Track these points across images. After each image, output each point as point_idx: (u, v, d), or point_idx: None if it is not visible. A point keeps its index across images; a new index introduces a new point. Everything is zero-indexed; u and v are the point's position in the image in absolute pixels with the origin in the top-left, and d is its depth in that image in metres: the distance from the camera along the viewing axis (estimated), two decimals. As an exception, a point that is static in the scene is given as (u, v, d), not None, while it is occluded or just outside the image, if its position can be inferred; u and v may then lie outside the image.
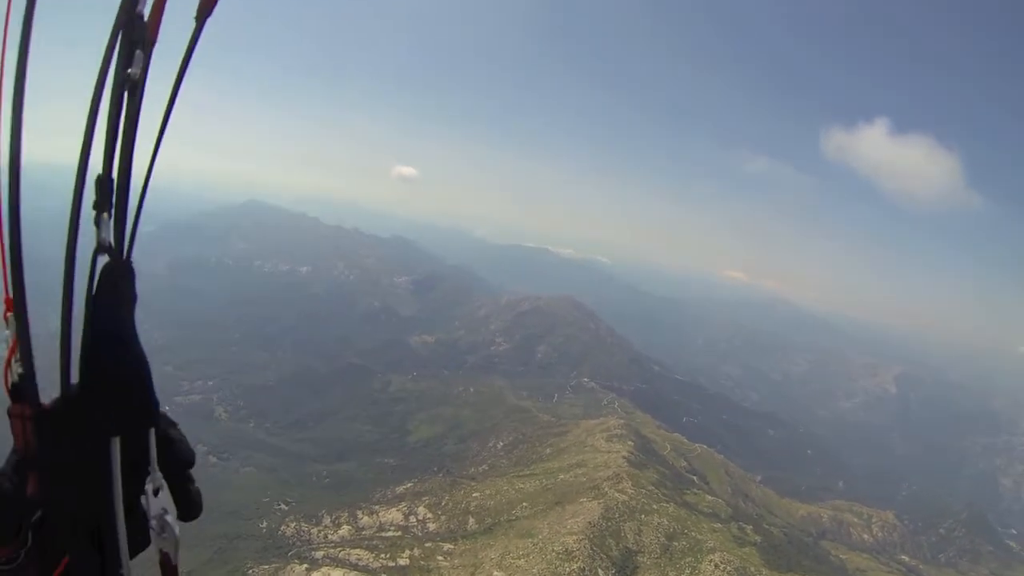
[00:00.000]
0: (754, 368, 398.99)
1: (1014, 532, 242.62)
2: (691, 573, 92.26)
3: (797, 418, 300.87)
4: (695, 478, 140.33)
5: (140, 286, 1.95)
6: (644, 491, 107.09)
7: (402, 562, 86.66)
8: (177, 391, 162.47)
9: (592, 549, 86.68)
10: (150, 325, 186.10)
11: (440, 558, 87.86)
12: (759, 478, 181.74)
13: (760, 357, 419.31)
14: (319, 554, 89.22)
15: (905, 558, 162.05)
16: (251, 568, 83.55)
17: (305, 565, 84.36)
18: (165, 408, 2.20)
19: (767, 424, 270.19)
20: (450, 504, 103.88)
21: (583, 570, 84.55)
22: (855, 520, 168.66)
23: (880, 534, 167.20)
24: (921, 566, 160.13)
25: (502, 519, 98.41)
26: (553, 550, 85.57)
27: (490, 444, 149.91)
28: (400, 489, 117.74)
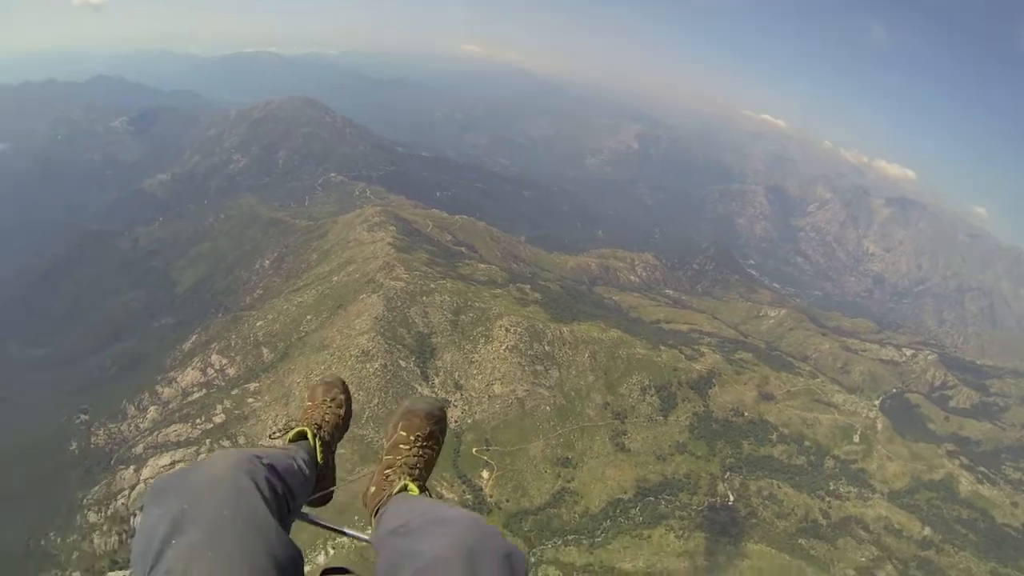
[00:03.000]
0: (499, 135, 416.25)
1: (752, 262, 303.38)
2: (486, 342, 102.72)
3: (549, 178, 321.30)
4: (464, 249, 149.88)
5: None
6: (419, 273, 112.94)
7: (218, 419, 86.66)
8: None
9: (387, 343, 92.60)
10: None
11: (251, 400, 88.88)
12: (523, 239, 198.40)
13: (503, 125, 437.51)
14: (139, 449, 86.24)
15: (669, 292, 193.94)
16: (84, 497, 78.62)
17: (132, 467, 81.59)
18: None
19: (521, 186, 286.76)
20: (239, 342, 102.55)
21: (385, 366, 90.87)
22: (620, 264, 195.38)
23: (644, 274, 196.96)
24: (684, 297, 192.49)
25: (293, 339, 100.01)
26: (351, 355, 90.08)
27: (257, 267, 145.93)
28: (187, 346, 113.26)
